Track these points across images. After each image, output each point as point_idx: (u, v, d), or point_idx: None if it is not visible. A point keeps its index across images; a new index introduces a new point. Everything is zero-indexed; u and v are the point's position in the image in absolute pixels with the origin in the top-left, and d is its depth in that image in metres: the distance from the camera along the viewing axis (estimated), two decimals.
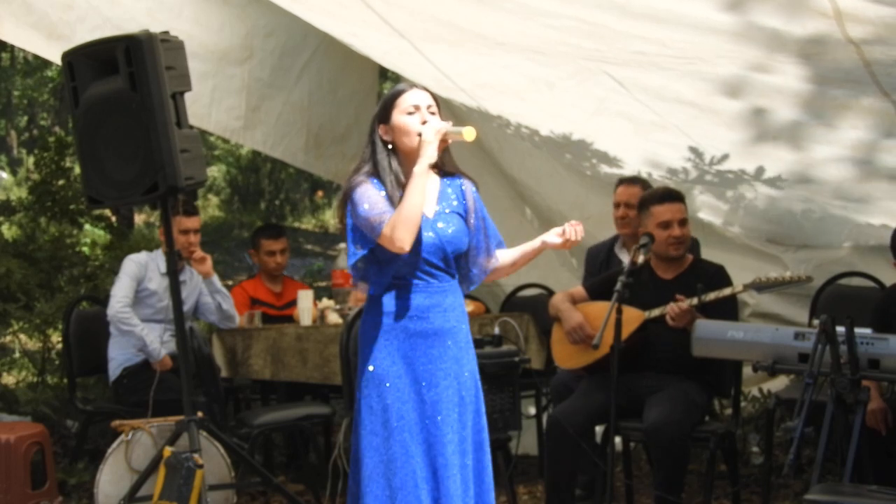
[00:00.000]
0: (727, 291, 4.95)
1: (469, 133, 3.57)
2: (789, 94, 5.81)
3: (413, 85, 3.73)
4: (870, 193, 6.17)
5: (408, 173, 3.61)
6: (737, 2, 5.26)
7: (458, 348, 3.68)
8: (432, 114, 3.66)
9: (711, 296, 4.92)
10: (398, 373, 3.61)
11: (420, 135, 3.60)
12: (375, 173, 3.65)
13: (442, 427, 3.59)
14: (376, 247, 3.57)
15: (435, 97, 3.71)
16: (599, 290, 5.23)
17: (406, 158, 3.64)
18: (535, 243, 3.77)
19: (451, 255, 3.67)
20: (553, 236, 3.72)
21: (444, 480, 3.57)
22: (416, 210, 3.53)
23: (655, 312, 5.00)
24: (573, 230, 3.68)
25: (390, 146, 3.67)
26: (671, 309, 4.91)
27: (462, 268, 3.74)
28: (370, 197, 3.58)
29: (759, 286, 4.95)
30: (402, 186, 3.59)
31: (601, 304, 5.05)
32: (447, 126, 3.62)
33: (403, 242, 3.51)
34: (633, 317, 4.97)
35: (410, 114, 3.63)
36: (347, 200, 3.62)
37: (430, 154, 3.56)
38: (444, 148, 3.68)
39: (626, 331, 4.83)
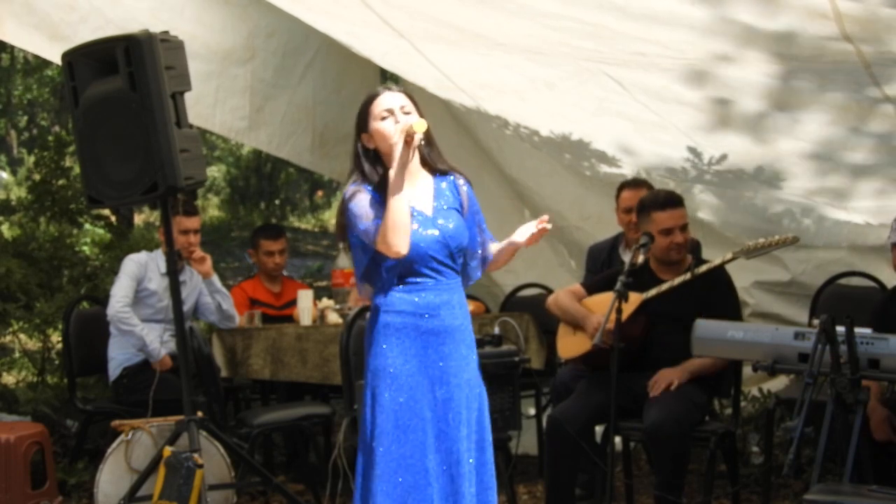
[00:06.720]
0: (718, 261, 4.98)
1: (419, 125, 3.52)
2: (789, 96, 5.82)
3: (387, 88, 3.70)
4: (873, 193, 6.17)
5: None
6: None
7: (466, 346, 3.69)
8: (406, 114, 3.62)
9: (703, 268, 4.95)
10: (411, 371, 3.60)
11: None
12: (367, 181, 3.65)
13: (453, 425, 3.60)
14: (376, 253, 3.59)
15: (411, 96, 3.68)
16: (599, 290, 5.23)
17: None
18: (513, 241, 3.75)
19: (455, 251, 3.67)
20: (520, 236, 3.72)
21: (457, 478, 3.57)
22: (400, 214, 3.52)
23: (652, 292, 5.01)
24: (537, 226, 3.68)
25: (376, 153, 3.66)
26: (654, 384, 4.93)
27: (461, 263, 3.75)
28: (363, 207, 3.59)
29: (748, 252, 4.95)
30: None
31: (602, 295, 5.06)
32: (407, 122, 3.56)
33: (398, 247, 3.52)
34: (631, 300, 4.93)
35: (384, 118, 3.62)
36: (346, 212, 3.64)
37: (398, 154, 3.54)
38: (430, 145, 3.68)
39: (626, 313, 4.82)
